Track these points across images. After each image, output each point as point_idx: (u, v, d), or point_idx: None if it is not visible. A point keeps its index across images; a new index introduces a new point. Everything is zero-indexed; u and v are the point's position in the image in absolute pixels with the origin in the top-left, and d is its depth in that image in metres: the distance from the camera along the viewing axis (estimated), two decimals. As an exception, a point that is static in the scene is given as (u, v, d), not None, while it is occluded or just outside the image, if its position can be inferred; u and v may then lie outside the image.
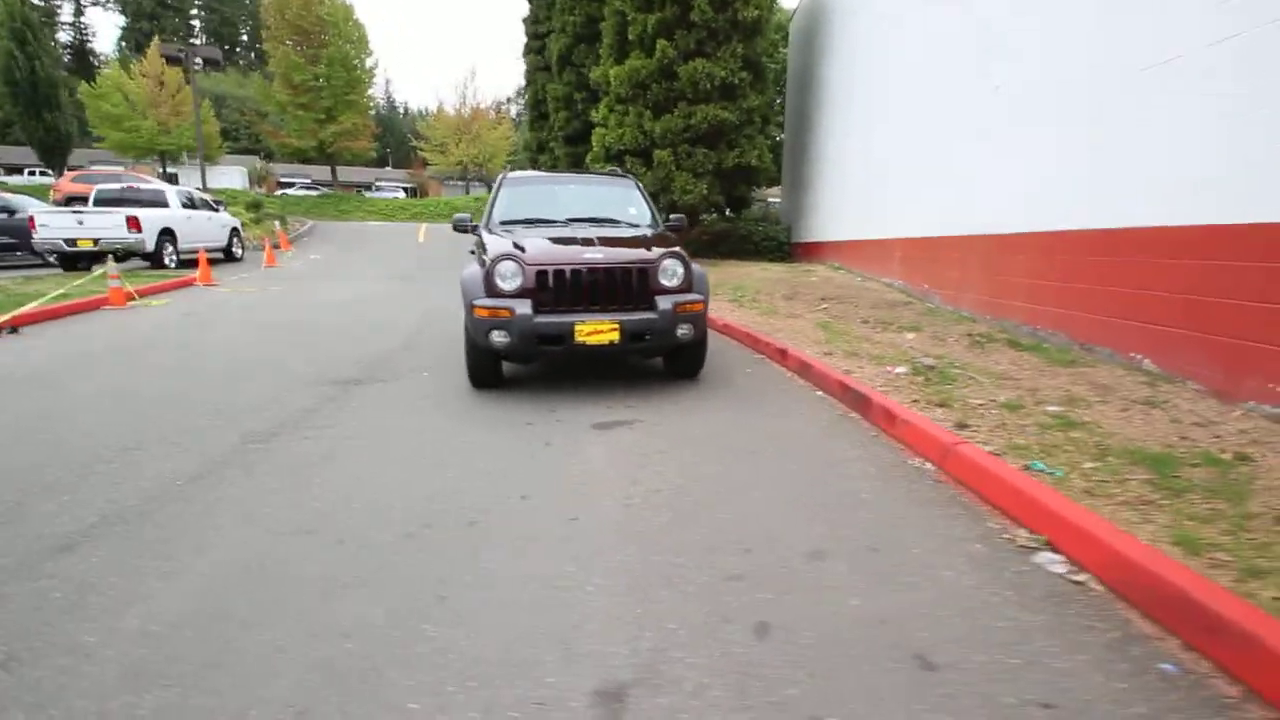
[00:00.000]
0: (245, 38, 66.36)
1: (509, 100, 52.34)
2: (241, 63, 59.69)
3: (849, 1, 11.67)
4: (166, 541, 2.56)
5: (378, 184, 42.59)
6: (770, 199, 22.16)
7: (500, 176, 6.17)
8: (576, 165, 16.88)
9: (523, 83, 68.06)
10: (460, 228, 5.78)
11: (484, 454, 3.56)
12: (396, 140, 53.07)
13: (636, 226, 5.68)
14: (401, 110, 58.21)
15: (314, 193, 36.22)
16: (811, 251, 13.64)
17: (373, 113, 36.44)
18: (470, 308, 4.49)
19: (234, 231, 15.84)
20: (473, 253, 5.60)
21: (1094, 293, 4.99)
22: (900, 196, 8.78)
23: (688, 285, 4.75)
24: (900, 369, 5.21)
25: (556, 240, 4.86)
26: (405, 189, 42.82)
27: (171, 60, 27.14)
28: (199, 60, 21.58)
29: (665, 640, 1.94)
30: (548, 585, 2.24)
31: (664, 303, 4.58)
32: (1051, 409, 4.09)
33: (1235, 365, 3.80)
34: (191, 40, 46.31)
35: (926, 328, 6.73)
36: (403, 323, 8.02)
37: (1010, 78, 6.20)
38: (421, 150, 42.47)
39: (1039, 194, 5.64)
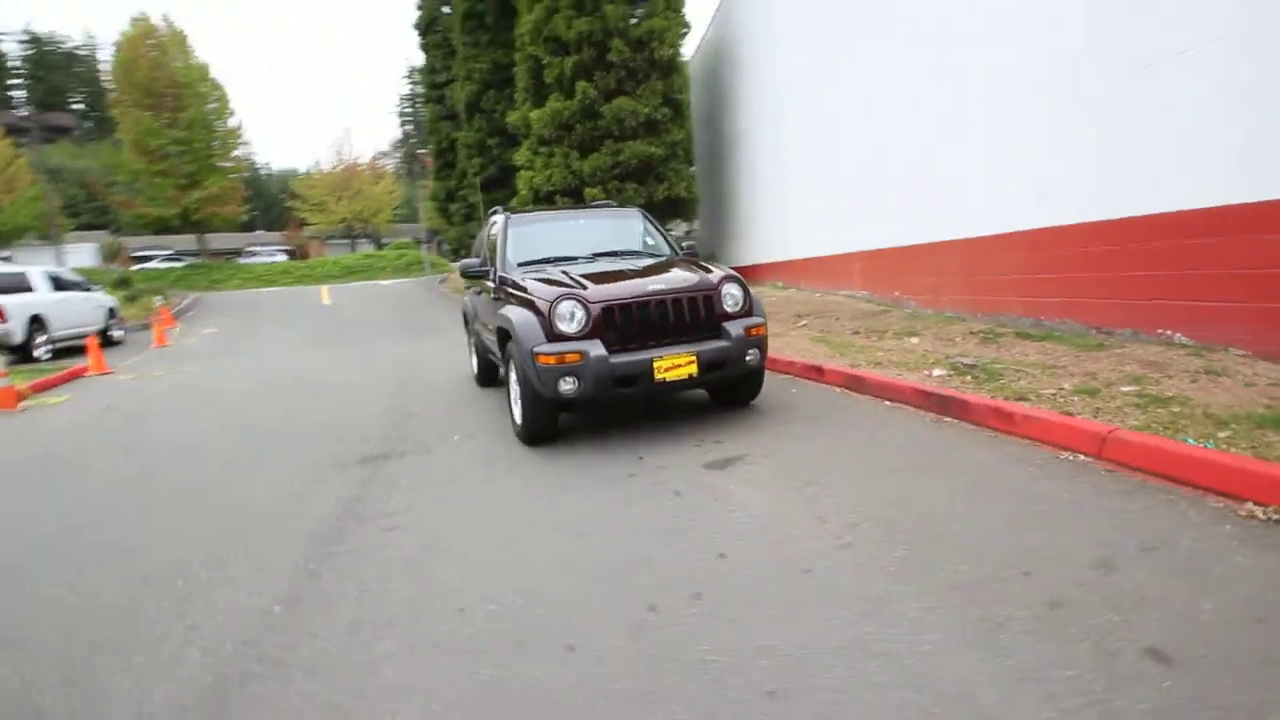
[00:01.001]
0: (81, 106, 60.28)
1: (385, 154, 50.65)
2: (76, 133, 53.93)
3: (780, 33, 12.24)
4: (336, 709, 1.97)
5: (250, 249, 39.48)
6: (672, 230, 22.61)
7: (498, 219, 5.72)
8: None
9: (397, 136, 66.44)
10: (471, 274, 5.28)
11: (618, 516, 3.12)
12: (264, 202, 49.70)
13: (658, 255, 5.44)
14: (264, 171, 54.69)
15: (178, 264, 32.97)
16: (745, 275, 13.94)
17: (243, 175, 33.90)
18: (531, 356, 4.04)
19: (110, 312, 13.94)
20: (479, 299, 5.10)
21: (1107, 279, 5.30)
22: (857, 214, 9.12)
23: (749, 309, 4.55)
24: (938, 371, 5.26)
25: (602, 275, 4.52)
26: (286, 251, 39.97)
27: (14, 130, 23.86)
28: (45, 128, 19.11)
29: (1082, 690, 1.66)
30: (891, 657, 1.87)
31: (734, 329, 4.36)
32: (1126, 389, 4.22)
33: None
34: (14, 111, 41.23)
35: (924, 331, 6.92)
36: (371, 386, 7.23)
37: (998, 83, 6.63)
38: (298, 210, 39.98)
39: (1034, 194, 5.99)
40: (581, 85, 12.90)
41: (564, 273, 4.61)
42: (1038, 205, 5.89)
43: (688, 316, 4.28)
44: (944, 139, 7.08)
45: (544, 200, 13.69)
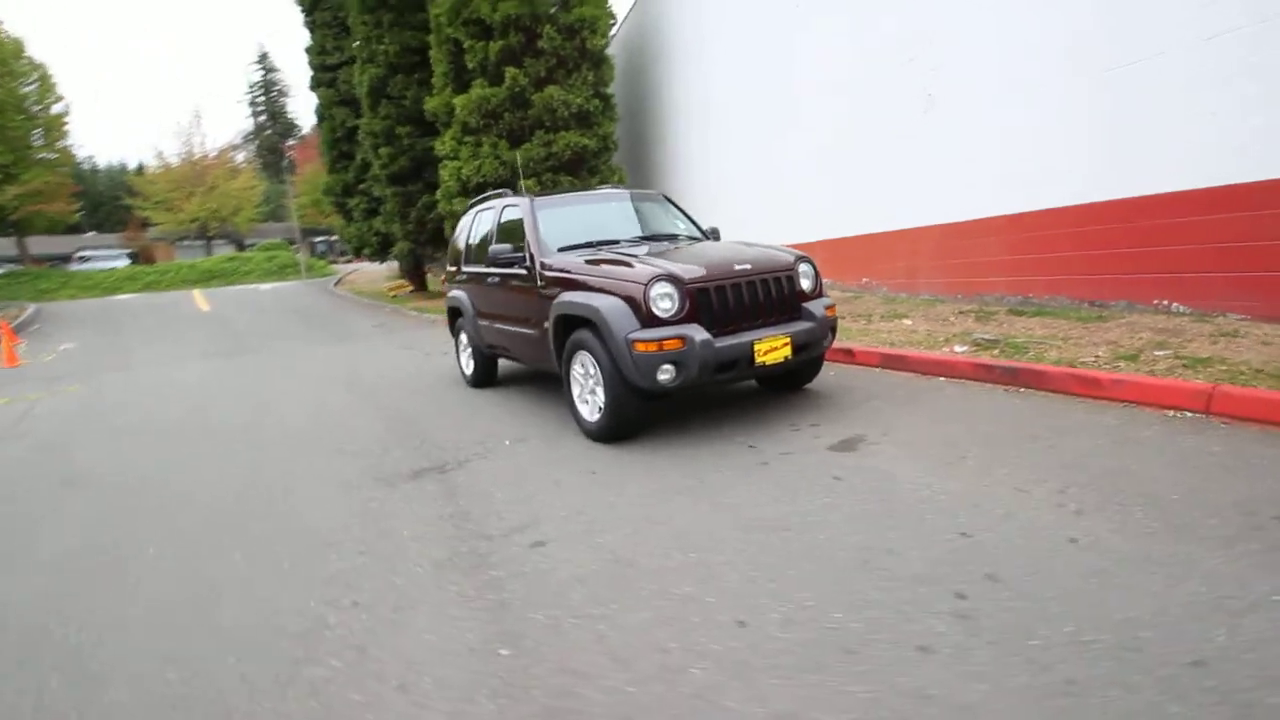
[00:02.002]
0: None
1: (237, 147, 45.74)
2: None
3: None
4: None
5: (83, 253, 34.08)
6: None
7: (500, 204, 5.21)
8: (409, 205, 15.23)
9: (247, 128, 60.04)
10: (502, 260, 4.78)
11: (799, 506, 2.89)
12: (92, 201, 43.20)
13: (696, 239, 5.23)
14: (87, 165, 47.59)
15: (-9, 272, 27.87)
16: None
17: (72, 169, 29.29)
18: (628, 344, 3.69)
19: (-67, 329, 11.43)
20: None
21: (1099, 256, 5.75)
22: (813, 202, 9.35)
23: (820, 289, 4.46)
24: (960, 348, 5.48)
25: (677, 256, 4.24)
26: (129, 255, 34.92)
27: None
28: None
29: None
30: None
31: (815, 309, 4.25)
32: (1160, 354, 4.58)
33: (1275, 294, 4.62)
34: None
35: (910, 313, 7.21)
36: (335, 397, 6.39)
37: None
38: (139, 209, 35.15)
39: (1018, 178, 6.39)
40: (511, 72, 12.29)
41: (629, 255, 4.27)
42: (1025, 189, 6.29)
43: (775, 297, 4.11)
44: (922, 124, 7.39)
45: (473, 192, 12.91)
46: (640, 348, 3.67)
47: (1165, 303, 5.36)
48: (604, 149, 13.32)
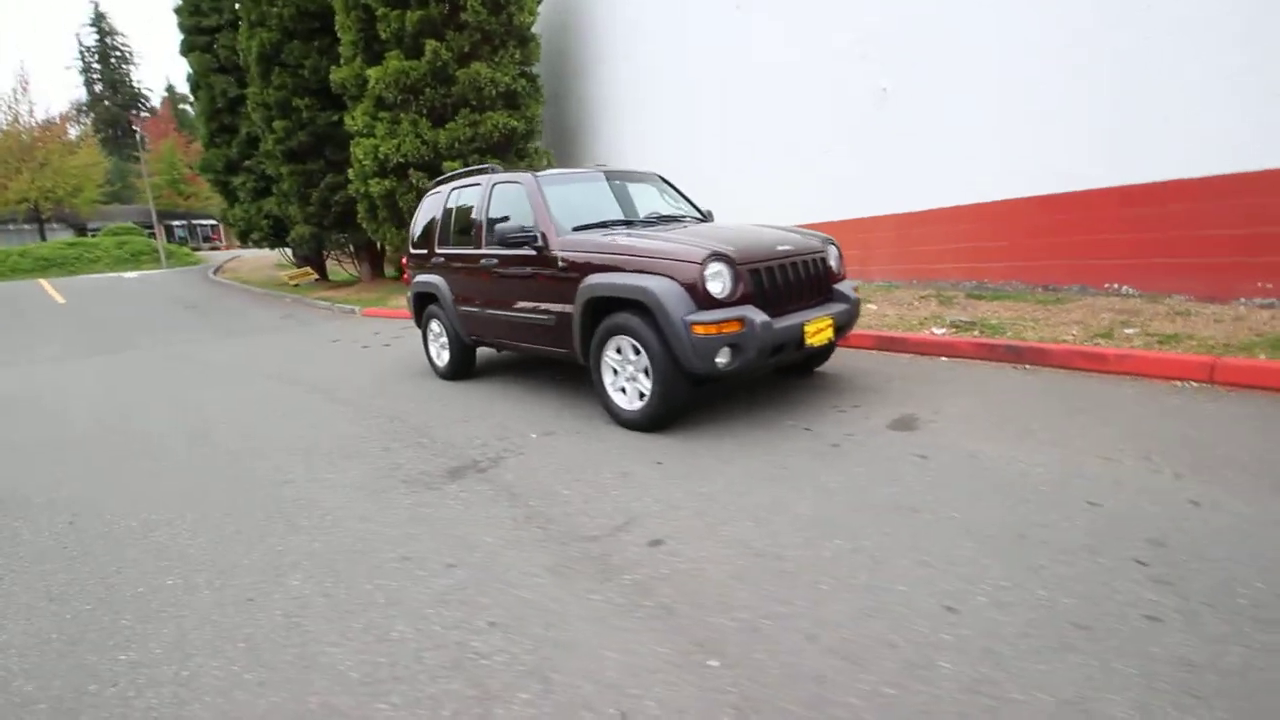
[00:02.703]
0: None
1: (70, 117, 39.83)
2: None
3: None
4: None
5: None
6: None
7: (525, 179, 4.78)
8: (311, 185, 13.82)
9: (80, 96, 52.26)
10: (512, 240, 4.40)
11: (906, 487, 2.86)
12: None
13: (701, 219, 5.11)
14: None
15: None
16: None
17: None
18: (686, 326, 3.50)
19: None
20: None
21: (1051, 244, 6.23)
22: (763, 194, 9.48)
23: (844, 270, 4.48)
24: (940, 330, 5.75)
25: (714, 235, 4.09)
26: (-64, 242, 29.43)
27: None
28: None
29: None
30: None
31: (846, 290, 4.26)
32: (1129, 331, 5.02)
33: (1218, 278, 5.20)
34: None
35: (872, 298, 7.49)
36: (287, 394, 5.69)
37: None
38: (-55, 186, 29.76)
39: (978, 172, 6.77)
40: (431, 44, 11.51)
41: (664, 235, 4.06)
42: (981, 182, 6.69)
43: (813, 278, 4.08)
44: (879, 114, 7.66)
45: (394, 173, 12.01)
46: (699, 330, 3.50)
47: (1116, 285, 5.89)
48: (531, 132, 12.82)
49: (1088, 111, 5.87)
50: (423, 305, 5.93)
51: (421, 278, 5.82)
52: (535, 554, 2.52)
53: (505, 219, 4.74)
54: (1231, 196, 5.07)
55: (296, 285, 15.43)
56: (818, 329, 3.85)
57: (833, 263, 4.31)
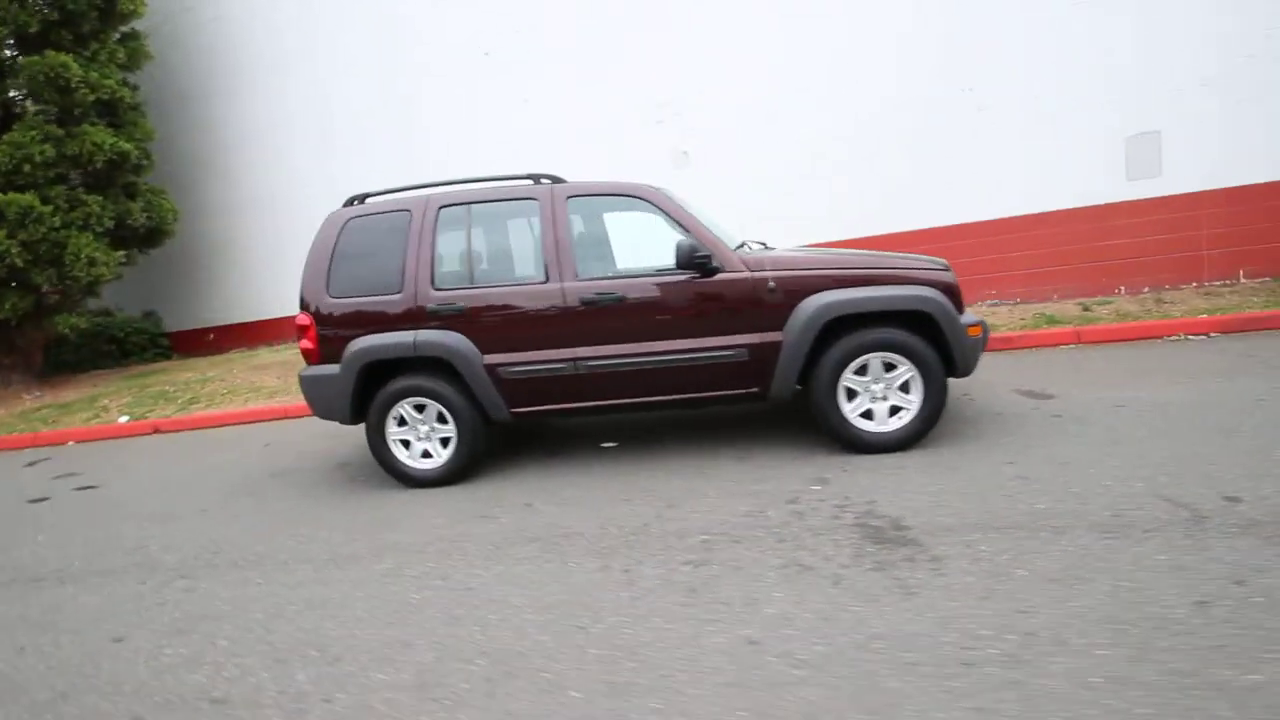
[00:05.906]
0: None
1: None
2: None
3: None
4: None
5: None
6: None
7: (646, 190, 3.65)
8: None
9: None
10: (687, 258, 3.41)
11: (1052, 483, 3.47)
12: None
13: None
14: None
15: None
16: (243, 336, 10.73)
17: None
18: (964, 330, 3.51)
19: None
20: None
21: (999, 260, 7.64)
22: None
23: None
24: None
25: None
26: None
27: None
28: None
29: None
30: None
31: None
32: (1103, 311, 6.96)
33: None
34: None
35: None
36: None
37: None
38: None
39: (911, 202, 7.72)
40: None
41: (829, 252, 3.85)
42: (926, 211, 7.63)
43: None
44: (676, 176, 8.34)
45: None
46: (973, 332, 3.55)
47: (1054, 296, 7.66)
48: (144, 162, 9.08)
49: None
50: (377, 383, 3.83)
51: (377, 342, 3.76)
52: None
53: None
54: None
55: None
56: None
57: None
